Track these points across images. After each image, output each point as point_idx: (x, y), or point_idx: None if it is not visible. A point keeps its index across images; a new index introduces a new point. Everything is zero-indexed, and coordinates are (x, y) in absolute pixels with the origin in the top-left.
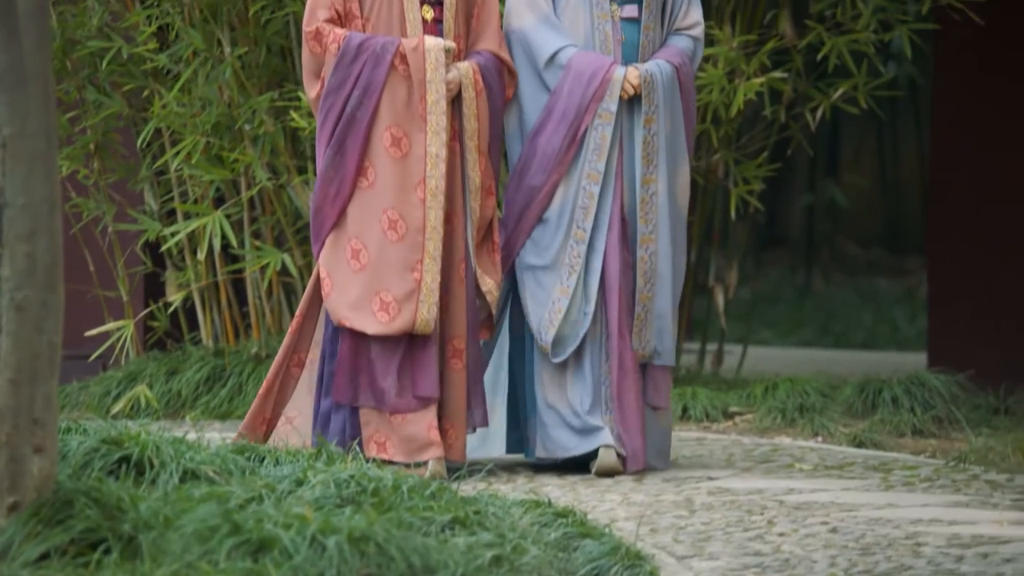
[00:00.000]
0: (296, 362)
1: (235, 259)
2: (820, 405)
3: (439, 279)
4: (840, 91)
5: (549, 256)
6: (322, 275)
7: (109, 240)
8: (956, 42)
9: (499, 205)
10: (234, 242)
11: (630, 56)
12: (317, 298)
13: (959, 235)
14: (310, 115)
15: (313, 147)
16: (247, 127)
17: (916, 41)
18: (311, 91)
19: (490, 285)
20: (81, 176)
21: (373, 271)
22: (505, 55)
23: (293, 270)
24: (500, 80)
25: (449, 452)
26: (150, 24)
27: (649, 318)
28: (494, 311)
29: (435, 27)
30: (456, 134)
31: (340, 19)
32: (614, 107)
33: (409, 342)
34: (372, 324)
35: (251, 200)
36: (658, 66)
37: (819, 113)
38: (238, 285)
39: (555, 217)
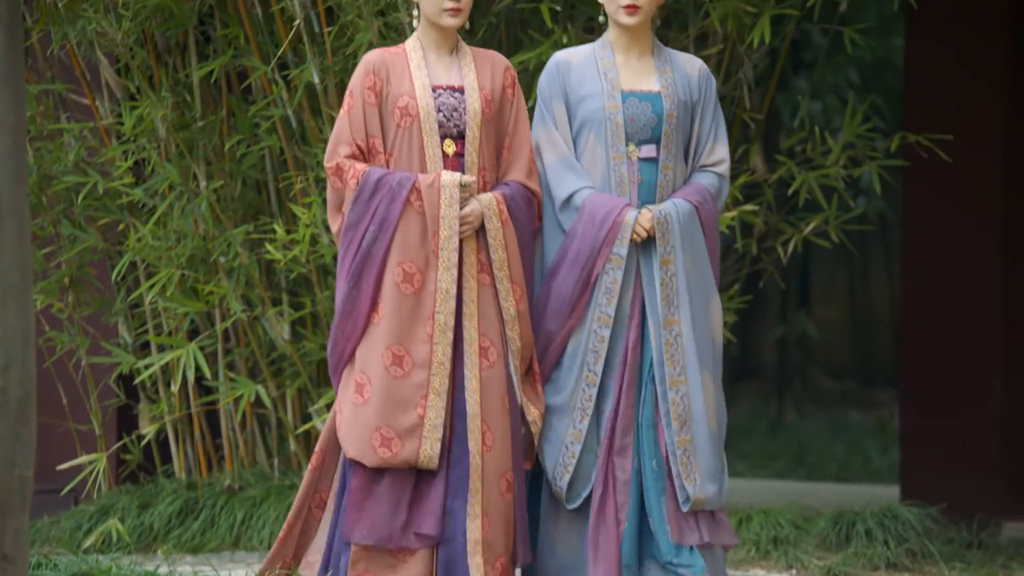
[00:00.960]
0: (318, 503)
1: (209, 391)
2: (794, 537)
3: (443, 415)
4: (811, 225)
5: (561, 399)
6: (336, 408)
7: (82, 373)
8: (924, 177)
9: None
10: (208, 374)
11: (647, 197)
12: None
13: (930, 367)
14: (285, 247)
15: (287, 279)
16: (222, 259)
17: (885, 177)
18: (333, 225)
19: (535, 415)
20: (55, 309)
21: (374, 406)
22: (533, 185)
23: (267, 401)
24: (529, 210)
25: None
26: (126, 159)
27: (694, 461)
28: (536, 441)
29: (456, 161)
30: (484, 266)
31: (363, 154)
32: (624, 251)
33: (417, 478)
34: (372, 458)
35: (225, 332)
36: (675, 206)
37: (790, 246)
38: (212, 417)
39: (567, 360)
